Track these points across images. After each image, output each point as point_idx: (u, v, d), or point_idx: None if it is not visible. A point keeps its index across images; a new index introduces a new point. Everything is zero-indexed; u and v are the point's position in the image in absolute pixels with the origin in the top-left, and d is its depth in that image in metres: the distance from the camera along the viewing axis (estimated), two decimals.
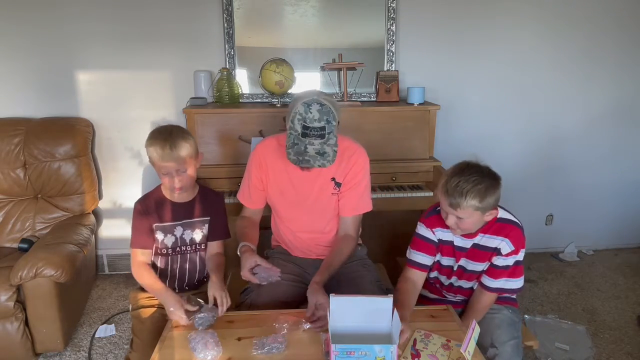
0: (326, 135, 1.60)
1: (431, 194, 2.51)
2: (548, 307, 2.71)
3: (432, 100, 2.85)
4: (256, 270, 1.68)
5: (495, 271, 1.68)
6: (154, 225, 1.78)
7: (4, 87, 2.75)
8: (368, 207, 1.89)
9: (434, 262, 1.78)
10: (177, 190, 1.74)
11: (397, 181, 2.60)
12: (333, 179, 1.82)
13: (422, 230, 1.75)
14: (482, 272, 1.72)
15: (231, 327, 1.55)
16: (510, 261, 1.66)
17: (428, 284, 1.86)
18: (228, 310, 1.62)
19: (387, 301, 1.42)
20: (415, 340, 1.47)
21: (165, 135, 1.69)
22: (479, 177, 1.52)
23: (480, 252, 1.69)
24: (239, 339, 1.48)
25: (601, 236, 3.40)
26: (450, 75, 2.94)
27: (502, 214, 1.67)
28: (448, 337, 1.49)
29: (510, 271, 1.67)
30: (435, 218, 1.72)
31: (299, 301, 1.83)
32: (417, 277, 1.75)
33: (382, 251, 2.63)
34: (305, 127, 1.59)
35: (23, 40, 2.70)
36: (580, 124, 3.15)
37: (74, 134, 2.65)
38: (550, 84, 3.05)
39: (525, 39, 2.95)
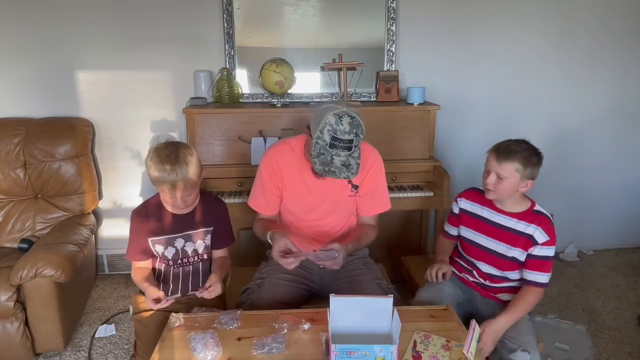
0: (353, 148, 1.62)
1: (431, 193, 2.51)
2: (548, 307, 2.71)
3: (432, 100, 2.85)
4: (320, 255, 1.67)
5: (535, 263, 1.75)
6: (151, 239, 1.75)
7: (4, 87, 2.75)
8: (387, 206, 1.95)
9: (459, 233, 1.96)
10: (181, 209, 1.72)
11: (397, 181, 2.60)
12: (350, 181, 1.83)
13: (453, 204, 1.99)
14: (505, 256, 1.79)
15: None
16: (548, 252, 1.74)
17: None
18: (229, 309, 1.62)
19: (387, 301, 1.42)
20: (415, 342, 1.47)
21: (171, 163, 1.60)
22: (528, 146, 1.73)
23: (512, 235, 1.78)
24: (239, 339, 1.48)
25: (601, 236, 3.40)
26: (450, 75, 2.94)
27: (539, 208, 1.80)
28: (448, 338, 1.49)
29: (549, 264, 1.75)
30: (467, 191, 1.93)
31: (299, 301, 1.83)
32: (448, 242, 2.02)
33: (382, 251, 2.63)
34: (334, 139, 1.60)
35: (23, 41, 2.69)
36: (581, 124, 3.14)
37: (74, 134, 2.64)
38: (551, 84, 3.04)
39: (526, 38, 2.94)
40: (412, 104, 2.67)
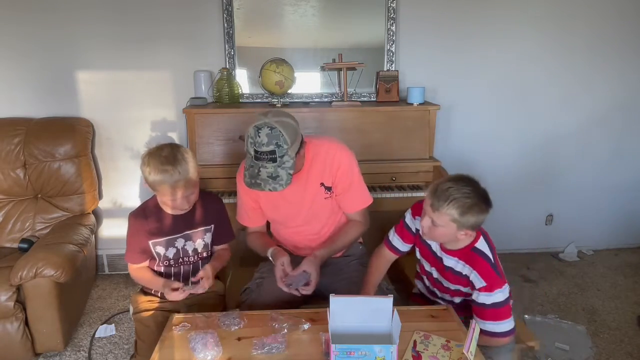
0: (278, 159, 1.59)
1: None
2: (548, 307, 2.71)
3: (432, 100, 2.85)
4: (290, 282, 1.68)
5: (477, 309, 1.55)
6: (152, 241, 1.75)
7: (4, 87, 2.75)
8: (368, 201, 1.91)
9: (410, 249, 1.79)
10: (182, 210, 1.72)
11: (397, 181, 2.60)
12: (322, 184, 1.82)
13: (407, 215, 1.77)
14: (456, 290, 1.66)
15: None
16: (486, 299, 1.52)
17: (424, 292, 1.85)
18: (229, 309, 1.62)
19: (387, 301, 1.42)
20: (415, 342, 1.47)
21: (170, 163, 1.61)
22: (471, 192, 1.48)
23: (451, 275, 1.64)
24: (239, 339, 1.48)
25: (601, 236, 3.40)
26: (450, 75, 2.94)
27: (481, 244, 1.59)
28: (447, 337, 1.49)
29: (491, 312, 1.52)
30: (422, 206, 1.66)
31: (299, 301, 1.83)
32: (389, 257, 1.81)
33: None
34: (256, 151, 1.59)
35: (24, 41, 2.69)
36: (580, 124, 3.14)
37: (74, 134, 2.64)
38: (551, 84, 3.04)
39: (525, 38, 2.94)
40: (412, 104, 2.67)
